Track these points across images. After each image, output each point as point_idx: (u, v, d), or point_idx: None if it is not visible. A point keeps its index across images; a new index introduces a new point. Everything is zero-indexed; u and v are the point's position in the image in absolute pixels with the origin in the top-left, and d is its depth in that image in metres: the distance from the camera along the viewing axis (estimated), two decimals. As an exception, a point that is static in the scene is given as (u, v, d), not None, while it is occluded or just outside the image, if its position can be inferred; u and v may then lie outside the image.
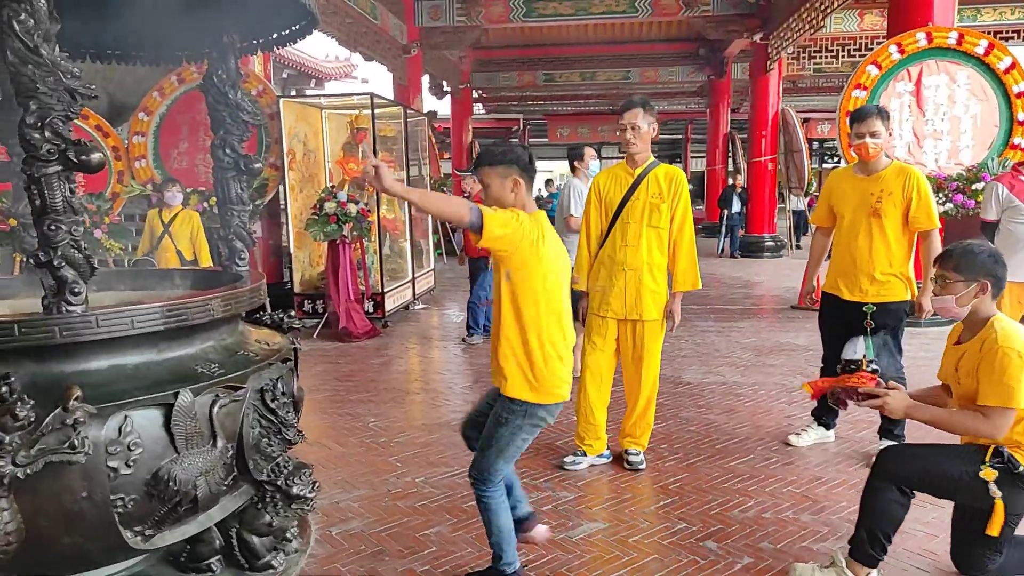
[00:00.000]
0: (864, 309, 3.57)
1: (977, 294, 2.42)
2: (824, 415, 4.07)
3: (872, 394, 2.46)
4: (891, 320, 3.68)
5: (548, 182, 16.09)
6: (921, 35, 6.79)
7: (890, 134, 3.73)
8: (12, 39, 1.84)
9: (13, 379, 1.81)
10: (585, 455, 3.77)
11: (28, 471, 1.77)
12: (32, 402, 1.80)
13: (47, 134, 1.89)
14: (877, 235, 3.66)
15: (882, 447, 3.71)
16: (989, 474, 2.36)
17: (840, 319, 3.76)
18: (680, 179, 3.63)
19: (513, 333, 2.42)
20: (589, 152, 5.53)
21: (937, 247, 3.61)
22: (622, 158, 3.74)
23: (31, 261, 1.97)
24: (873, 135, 3.61)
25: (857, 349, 2.68)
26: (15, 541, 1.81)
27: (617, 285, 3.60)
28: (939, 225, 3.66)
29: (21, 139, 1.89)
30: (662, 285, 3.63)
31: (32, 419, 1.78)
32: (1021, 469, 2.35)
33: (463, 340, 7.01)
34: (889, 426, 3.83)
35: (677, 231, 3.60)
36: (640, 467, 3.71)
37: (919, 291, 3.73)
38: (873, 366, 2.58)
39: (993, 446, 2.40)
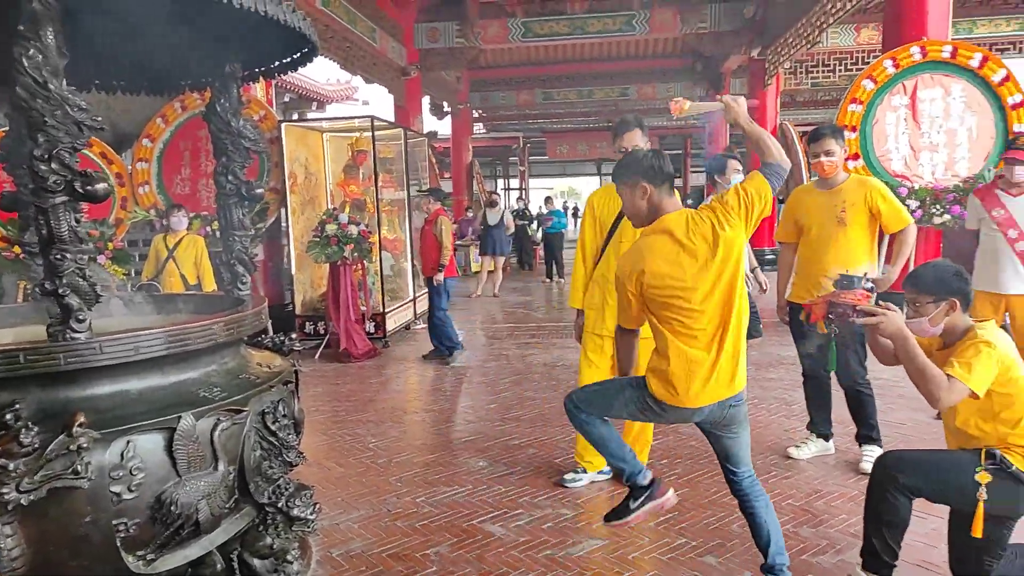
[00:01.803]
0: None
1: (947, 312, 2.49)
2: (821, 427, 4.10)
3: (869, 312, 2.48)
4: (857, 326, 3.76)
5: (548, 199, 16.13)
6: (916, 49, 6.85)
7: (845, 151, 3.94)
8: (22, 74, 1.89)
9: (19, 406, 1.85)
10: (585, 472, 3.79)
11: (33, 497, 1.80)
12: (37, 429, 1.83)
13: (54, 165, 1.94)
14: (843, 243, 3.81)
15: (878, 455, 3.76)
16: (984, 477, 2.41)
17: (809, 326, 3.85)
18: None
19: None
20: (733, 165, 5.16)
21: (909, 240, 3.82)
22: None
23: (37, 290, 2.01)
24: (828, 154, 3.82)
25: (855, 269, 2.73)
26: (21, 567, 1.84)
27: (611, 304, 3.64)
28: (911, 220, 3.84)
29: (29, 170, 1.94)
30: None
31: (37, 445, 1.82)
32: (1013, 469, 2.41)
33: (445, 363, 6.92)
34: (866, 431, 3.92)
35: None
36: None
37: (889, 268, 3.90)
38: (868, 284, 2.61)
39: (985, 448, 2.45)
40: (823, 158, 3.83)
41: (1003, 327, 4.07)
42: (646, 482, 2.62)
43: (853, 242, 3.81)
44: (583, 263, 3.82)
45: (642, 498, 2.60)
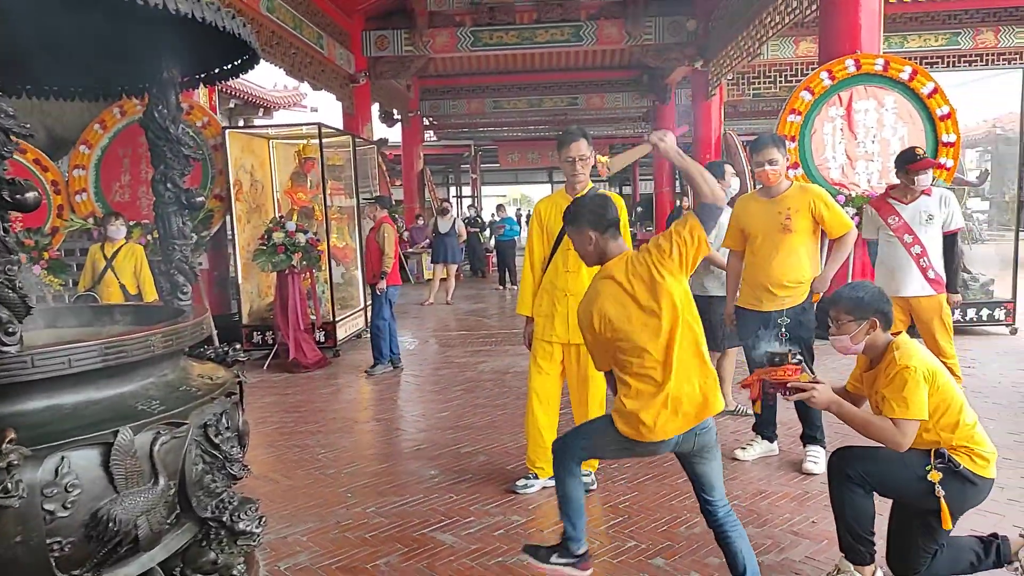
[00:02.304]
0: (779, 321, 3.79)
1: (868, 331, 2.62)
2: (766, 428, 4.20)
3: (799, 388, 2.61)
4: (804, 332, 3.98)
5: (499, 207, 16.17)
6: (850, 62, 7.11)
7: (787, 159, 4.06)
8: (-58, 79, 1.83)
9: (-56, 423, 1.78)
10: (537, 478, 3.81)
11: (-40, 517, 1.73)
12: (-36, 446, 1.76)
13: (-21, 174, 1.87)
14: (788, 249, 3.93)
15: (822, 455, 3.87)
16: (935, 476, 2.52)
17: (758, 329, 3.95)
18: (618, 204, 3.71)
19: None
20: (729, 170, 5.29)
21: (848, 244, 4.00)
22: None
23: (-37, 302, 1.94)
24: (771, 162, 3.93)
25: (780, 343, 2.85)
26: (-54, 590, 1.76)
27: (560, 311, 3.67)
28: (852, 225, 4.00)
29: (-48, 179, 1.87)
30: None
31: (-36, 463, 1.75)
32: (960, 468, 2.53)
33: (366, 373, 6.88)
34: (811, 432, 4.04)
35: None
36: (591, 488, 3.76)
37: (821, 273, 4.06)
38: (798, 358, 2.71)
39: (934, 449, 2.56)
40: (767, 167, 3.93)
41: (909, 330, 4.27)
42: (580, 551, 2.69)
43: (797, 248, 3.93)
44: (531, 271, 3.85)
45: (566, 560, 2.68)
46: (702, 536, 3.21)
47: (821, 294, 4.04)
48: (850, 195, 7.08)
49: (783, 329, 3.76)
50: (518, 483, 3.81)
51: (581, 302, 2.64)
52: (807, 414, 4.03)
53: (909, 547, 2.67)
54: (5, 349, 1.91)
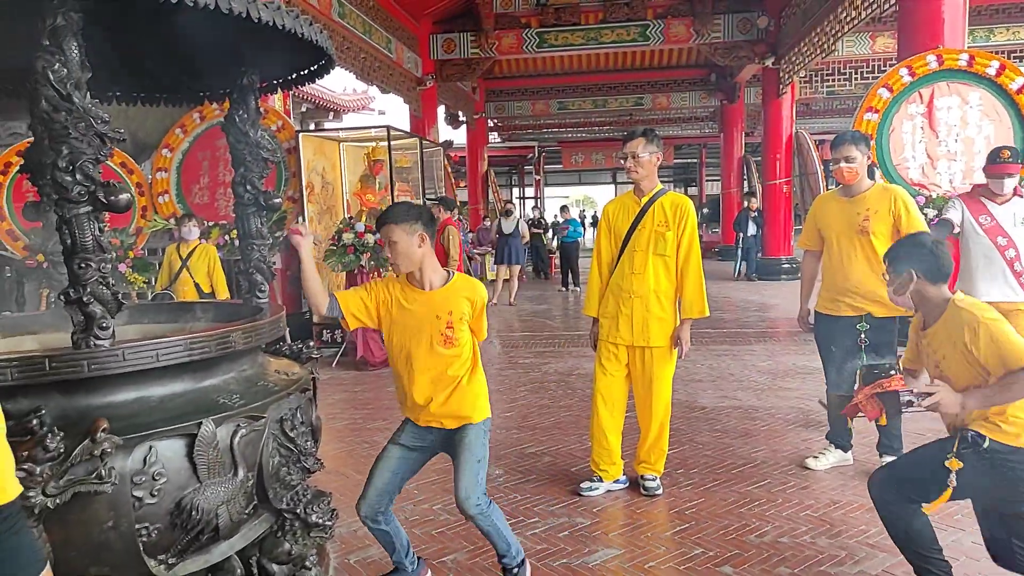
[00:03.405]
0: (858, 327, 3.66)
1: (906, 283, 2.57)
2: (840, 437, 4.07)
3: (928, 392, 2.46)
4: (884, 336, 3.79)
5: (563, 208, 16.10)
6: (932, 58, 6.82)
7: (868, 158, 3.87)
8: (46, 87, 1.94)
9: (43, 412, 1.88)
10: (601, 481, 3.79)
11: (57, 501, 1.83)
12: (61, 434, 1.86)
13: (78, 177, 1.98)
14: (866, 253, 3.77)
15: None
16: (955, 464, 2.43)
17: (836, 337, 3.88)
18: (686, 207, 3.67)
19: None
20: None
21: None
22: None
23: (61, 298, 2.05)
24: (848, 160, 3.78)
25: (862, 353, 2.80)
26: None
27: (624, 312, 3.65)
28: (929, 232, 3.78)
29: (53, 182, 1.98)
30: (669, 312, 3.66)
31: (61, 450, 1.85)
32: (985, 444, 2.38)
33: None
34: (887, 441, 3.88)
35: (683, 259, 3.63)
36: (656, 492, 3.72)
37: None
38: (894, 369, 2.62)
39: (960, 435, 2.44)
40: (843, 164, 3.80)
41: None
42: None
43: (875, 254, 3.74)
44: (598, 272, 3.83)
45: None
46: (772, 544, 3.13)
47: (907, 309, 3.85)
48: (931, 196, 6.79)
49: (863, 335, 3.64)
50: (583, 485, 3.79)
51: None
52: (885, 423, 3.86)
53: (1009, 548, 2.53)
54: (99, 343, 2.01)
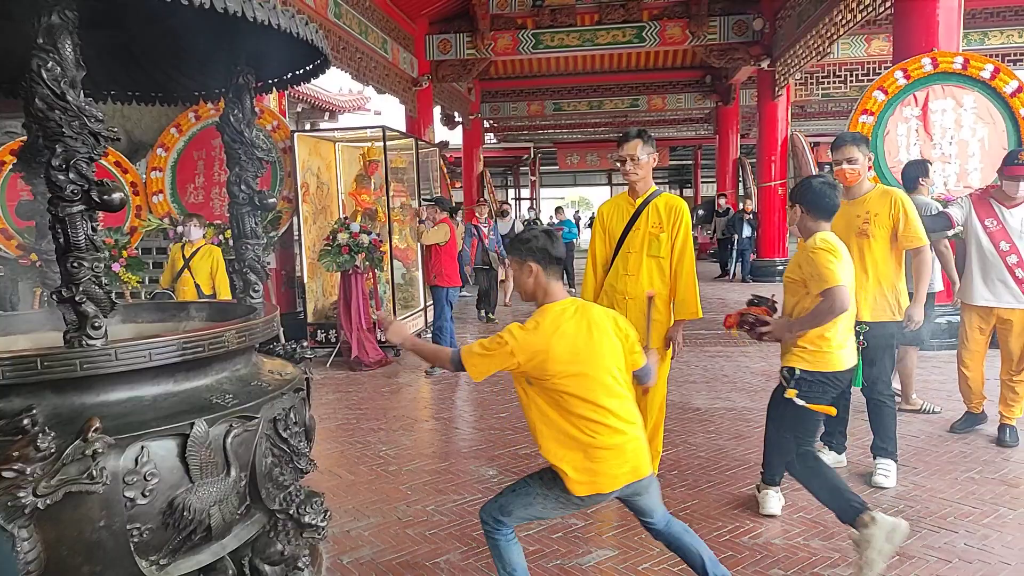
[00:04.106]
0: (856, 329, 3.67)
1: (795, 216, 3.24)
2: (834, 438, 4.07)
3: (762, 320, 3.21)
4: (881, 341, 3.79)
5: (558, 209, 16.15)
6: (927, 60, 6.85)
7: (868, 159, 3.85)
8: (40, 86, 1.93)
9: (35, 411, 1.88)
10: None
11: (48, 501, 1.83)
12: (53, 433, 1.86)
13: (71, 175, 1.97)
14: (865, 255, 3.76)
15: (893, 468, 3.75)
16: (792, 393, 3.09)
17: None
18: (680, 208, 3.67)
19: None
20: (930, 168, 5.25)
21: (927, 262, 3.82)
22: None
23: (54, 296, 2.04)
24: (849, 161, 3.79)
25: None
26: (35, 571, 1.86)
27: (619, 313, 3.64)
28: (927, 241, 3.78)
29: (47, 180, 1.98)
30: (663, 313, 3.66)
31: (53, 450, 1.84)
32: (796, 375, 3.09)
33: (425, 373, 6.96)
34: (882, 443, 3.86)
35: (677, 260, 3.63)
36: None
37: (911, 302, 3.84)
38: (775, 303, 3.30)
39: (780, 371, 3.18)
40: (845, 165, 3.79)
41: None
42: None
43: (877, 254, 3.76)
44: (593, 273, 3.83)
45: None
46: (765, 546, 3.14)
47: (914, 323, 3.84)
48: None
49: (861, 338, 3.64)
50: None
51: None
52: (880, 425, 3.87)
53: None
54: (92, 342, 2.01)
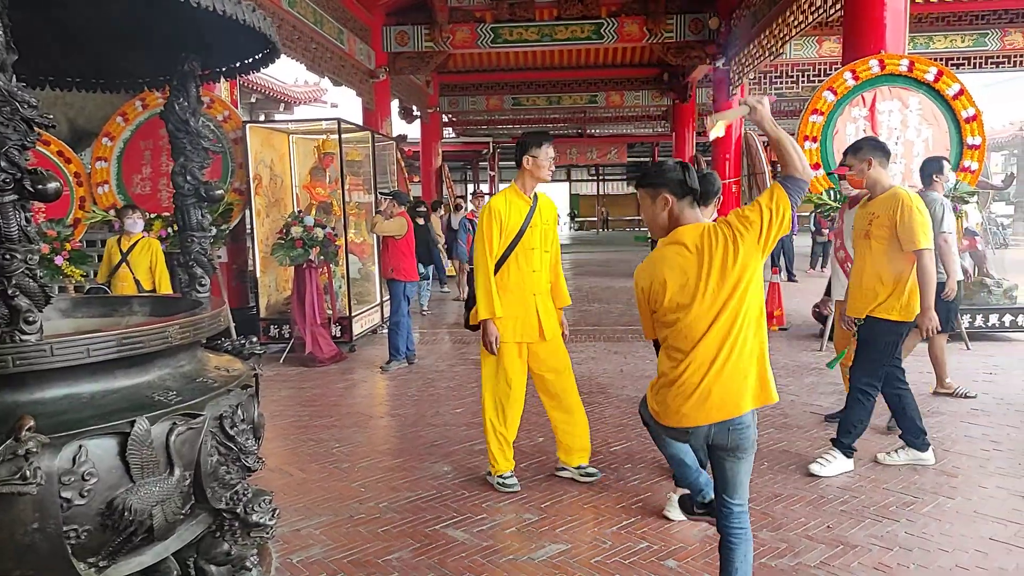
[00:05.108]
0: (855, 322, 3.78)
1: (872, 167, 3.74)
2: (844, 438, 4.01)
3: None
4: (874, 338, 3.84)
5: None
6: (874, 62, 7.02)
7: (868, 162, 3.85)
8: (-34, 70, 1.85)
9: (-36, 410, 1.80)
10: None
11: (-22, 503, 1.75)
12: (-17, 433, 1.78)
13: (3, 163, 1.88)
14: (868, 256, 3.86)
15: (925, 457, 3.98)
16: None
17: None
18: (553, 205, 4.01)
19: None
20: (947, 165, 5.35)
21: (927, 267, 3.67)
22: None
23: (-16, 290, 1.95)
24: (850, 168, 3.96)
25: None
26: (-37, 575, 1.78)
27: (531, 311, 3.77)
28: (927, 245, 3.67)
29: (-25, 168, 1.89)
30: (553, 303, 3.91)
31: (-18, 450, 1.76)
32: None
33: (380, 369, 6.89)
34: (844, 439, 3.94)
35: (555, 255, 3.89)
36: (594, 477, 3.90)
37: (920, 313, 3.76)
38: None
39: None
40: (848, 173, 4.00)
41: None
42: (707, 500, 2.71)
43: (878, 258, 3.78)
44: (489, 270, 3.71)
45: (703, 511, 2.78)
46: (715, 538, 3.16)
47: (927, 331, 3.77)
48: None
49: (856, 331, 3.87)
50: (508, 481, 3.87)
51: (640, 267, 2.46)
52: (847, 418, 3.94)
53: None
54: (25, 338, 1.92)
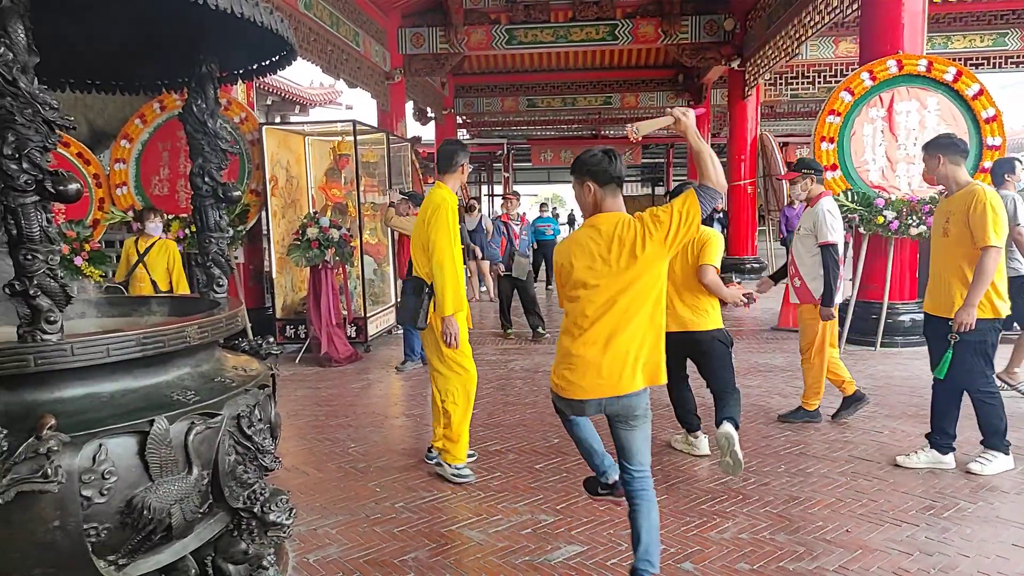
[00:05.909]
0: (949, 323, 3.71)
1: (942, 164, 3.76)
2: (939, 437, 3.98)
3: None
4: (973, 336, 3.71)
5: (543, 206, 15.82)
6: (892, 62, 6.96)
7: (939, 160, 3.81)
8: (-10, 72, 1.87)
9: (-14, 408, 1.82)
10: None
11: (0, 500, 1.77)
12: (5, 431, 1.80)
13: (24, 165, 1.91)
14: (946, 253, 3.81)
15: (1000, 461, 3.88)
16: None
17: (933, 334, 3.93)
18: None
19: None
20: (1019, 165, 5.43)
21: (987, 265, 3.57)
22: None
23: (6, 290, 1.98)
24: (928, 169, 3.93)
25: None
26: (-15, 573, 1.80)
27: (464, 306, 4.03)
28: (995, 243, 3.56)
29: (-1, 170, 1.91)
30: None
31: (4, 448, 1.78)
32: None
33: (396, 369, 6.92)
34: (994, 440, 3.89)
35: None
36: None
37: (961, 307, 3.66)
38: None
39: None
40: (924, 170, 3.97)
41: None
42: (610, 481, 2.92)
43: (954, 255, 3.73)
44: (456, 264, 3.88)
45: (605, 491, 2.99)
46: (732, 540, 3.16)
47: (963, 327, 3.65)
48: (890, 198, 6.93)
49: (952, 331, 3.72)
50: (464, 472, 3.99)
51: (560, 244, 2.70)
52: (981, 420, 3.87)
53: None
54: (46, 337, 1.95)
